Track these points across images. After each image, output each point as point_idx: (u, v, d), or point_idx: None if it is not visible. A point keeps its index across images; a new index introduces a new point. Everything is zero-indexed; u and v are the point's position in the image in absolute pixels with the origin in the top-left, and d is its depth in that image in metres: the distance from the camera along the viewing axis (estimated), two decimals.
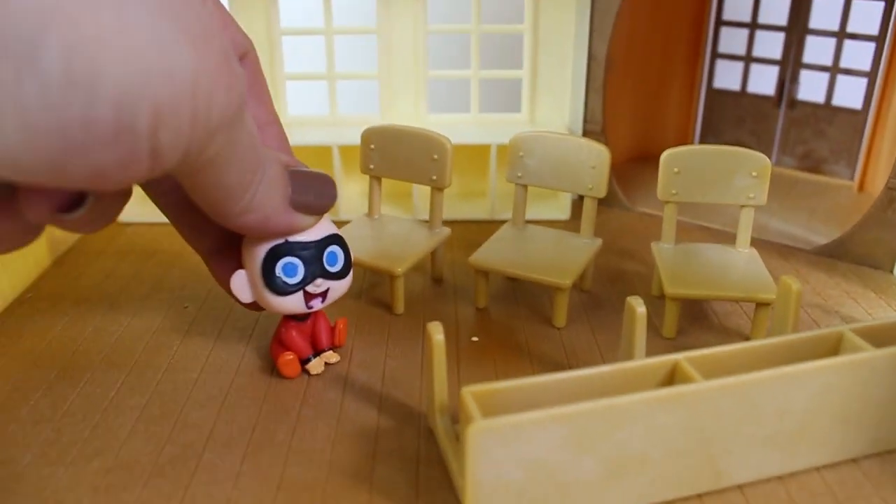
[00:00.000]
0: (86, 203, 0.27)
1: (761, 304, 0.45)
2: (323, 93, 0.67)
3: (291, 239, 0.37)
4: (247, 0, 0.62)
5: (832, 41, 0.73)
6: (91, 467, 0.35)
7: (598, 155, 0.49)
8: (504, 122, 0.67)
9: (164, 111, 0.23)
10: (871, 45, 0.71)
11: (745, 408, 0.33)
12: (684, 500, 0.34)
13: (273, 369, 0.43)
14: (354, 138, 0.54)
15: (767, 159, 0.48)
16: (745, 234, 0.50)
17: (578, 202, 0.68)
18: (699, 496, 0.34)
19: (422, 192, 0.62)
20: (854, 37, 0.72)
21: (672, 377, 0.35)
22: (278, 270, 0.37)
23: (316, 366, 0.43)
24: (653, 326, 0.48)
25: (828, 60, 0.74)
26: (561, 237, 0.52)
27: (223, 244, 0.38)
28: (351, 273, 0.40)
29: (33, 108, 0.20)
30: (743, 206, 0.49)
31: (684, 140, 0.83)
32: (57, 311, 0.50)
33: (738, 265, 0.48)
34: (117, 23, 0.21)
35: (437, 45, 0.67)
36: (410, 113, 0.67)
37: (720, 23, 0.79)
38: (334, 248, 0.39)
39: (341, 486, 0.34)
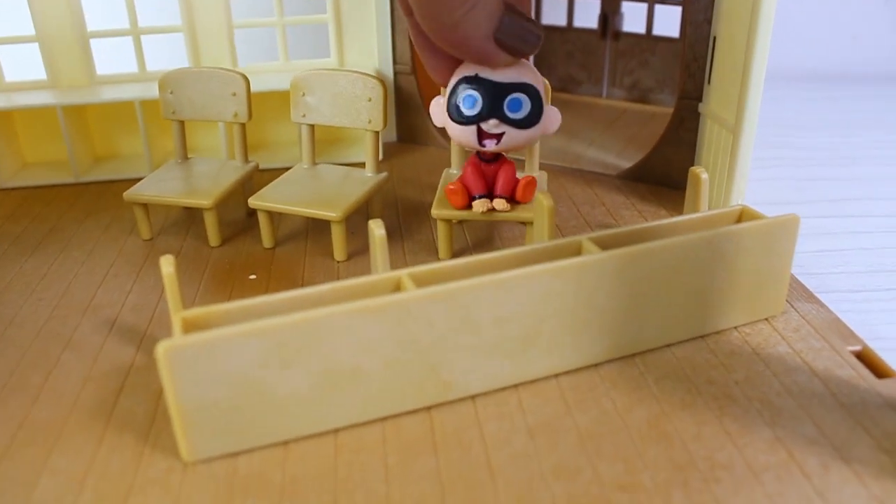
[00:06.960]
0: None
1: (528, 224, 0.47)
2: (130, 50, 0.66)
3: (482, 74, 0.38)
4: None
5: None
6: None
7: (373, 88, 0.50)
8: (314, 68, 0.67)
9: None
10: None
11: (456, 316, 0.33)
12: (413, 413, 0.35)
13: (46, 323, 0.43)
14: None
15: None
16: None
17: (394, 144, 0.69)
18: (428, 409, 0.35)
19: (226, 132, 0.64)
20: None
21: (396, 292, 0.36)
22: (458, 98, 0.39)
23: (479, 205, 0.44)
24: (434, 251, 0.50)
25: None
26: (348, 173, 0.52)
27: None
28: (535, 128, 0.40)
29: None
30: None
31: None
32: None
33: None
34: None
35: None
36: (222, 64, 0.66)
37: None
38: (520, 95, 0.39)
39: (81, 422, 0.35)
